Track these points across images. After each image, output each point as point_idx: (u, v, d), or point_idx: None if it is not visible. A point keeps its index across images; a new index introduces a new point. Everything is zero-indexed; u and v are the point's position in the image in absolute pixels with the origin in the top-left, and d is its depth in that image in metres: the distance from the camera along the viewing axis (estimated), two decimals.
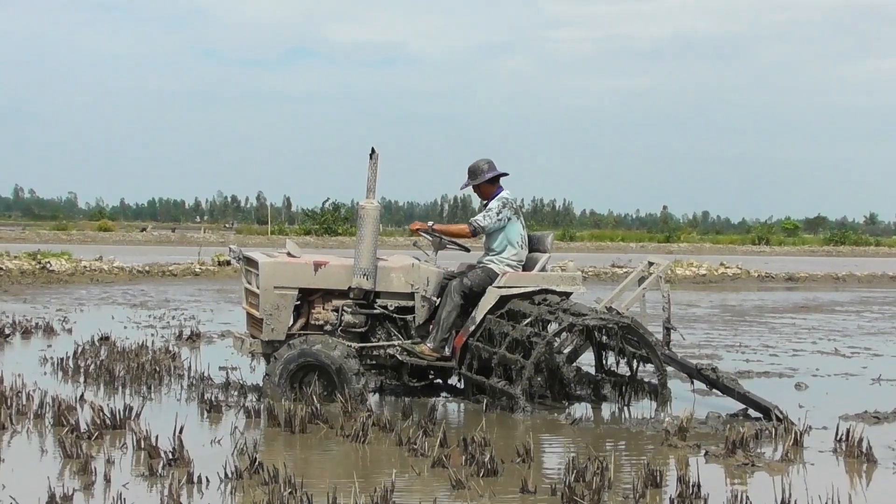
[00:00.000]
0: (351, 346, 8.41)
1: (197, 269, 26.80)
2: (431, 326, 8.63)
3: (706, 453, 6.96)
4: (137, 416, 7.42)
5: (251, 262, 8.70)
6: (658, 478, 6.07)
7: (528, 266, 8.86)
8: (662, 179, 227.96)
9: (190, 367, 9.67)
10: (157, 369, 9.49)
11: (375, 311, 8.63)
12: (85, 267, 25.33)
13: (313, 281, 8.54)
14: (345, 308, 8.55)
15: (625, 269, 28.37)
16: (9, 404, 7.66)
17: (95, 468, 6.03)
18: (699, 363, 8.95)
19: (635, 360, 8.75)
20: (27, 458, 6.52)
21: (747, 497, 5.59)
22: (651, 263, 9.50)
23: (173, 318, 15.45)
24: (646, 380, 8.93)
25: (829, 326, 16.48)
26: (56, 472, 6.07)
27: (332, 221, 61.56)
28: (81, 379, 9.37)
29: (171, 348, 11.19)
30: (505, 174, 8.89)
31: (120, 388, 9.00)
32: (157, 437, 6.48)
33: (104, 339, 11.75)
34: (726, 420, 8.05)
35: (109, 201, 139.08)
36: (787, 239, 75.76)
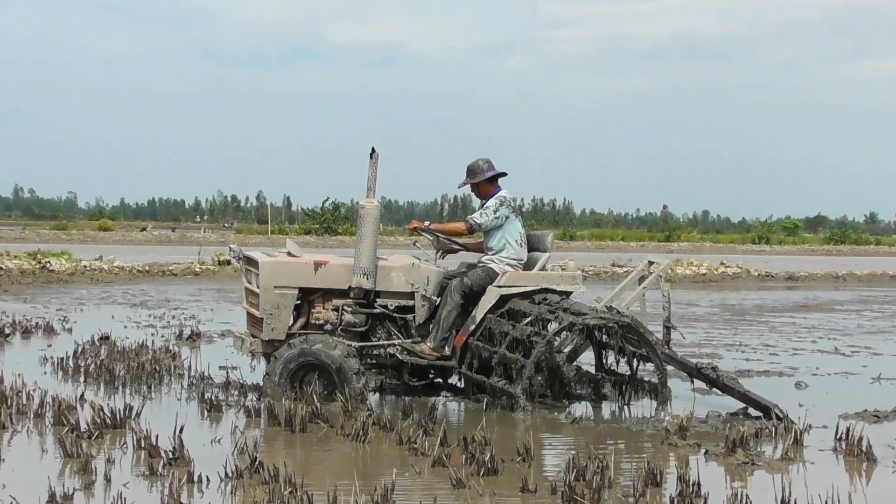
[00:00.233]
0: (351, 345, 8.41)
1: (197, 269, 26.79)
2: (432, 326, 8.63)
3: (706, 452, 6.96)
4: (137, 415, 7.42)
5: (251, 262, 8.70)
6: (658, 477, 6.07)
7: (528, 265, 8.86)
8: (662, 179, 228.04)
9: (190, 367, 9.67)
10: (158, 369, 9.49)
11: (376, 311, 8.63)
12: (85, 266, 25.32)
13: (313, 280, 8.54)
14: (345, 307, 8.55)
15: (625, 269, 28.37)
16: (9, 404, 7.67)
17: (96, 468, 6.03)
18: (699, 362, 8.95)
19: (635, 360, 8.75)
20: (27, 458, 6.52)
21: (747, 496, 5.59)
22: (651, 263, 9.50)
23: (173, 317, 15.45)
24: (646, 379, 8.93)
25: (829, 325, 16.48)
26: (56, 472, 6.07)
27: (332, 221, 61.50)
28: (81, 378, 9.37)
29: (171, 348, 11.19)
30: (503, 174, 8.89)
31: (120, 387, 9.00)
32: (157, 437, 6.48)
33: (104, 338, 11.74)
34: (726, 419, 8.06)
35: (109, 201, 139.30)
36: (788, 238, 75.76)
